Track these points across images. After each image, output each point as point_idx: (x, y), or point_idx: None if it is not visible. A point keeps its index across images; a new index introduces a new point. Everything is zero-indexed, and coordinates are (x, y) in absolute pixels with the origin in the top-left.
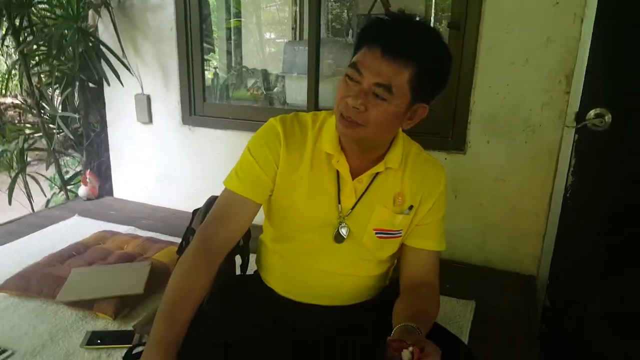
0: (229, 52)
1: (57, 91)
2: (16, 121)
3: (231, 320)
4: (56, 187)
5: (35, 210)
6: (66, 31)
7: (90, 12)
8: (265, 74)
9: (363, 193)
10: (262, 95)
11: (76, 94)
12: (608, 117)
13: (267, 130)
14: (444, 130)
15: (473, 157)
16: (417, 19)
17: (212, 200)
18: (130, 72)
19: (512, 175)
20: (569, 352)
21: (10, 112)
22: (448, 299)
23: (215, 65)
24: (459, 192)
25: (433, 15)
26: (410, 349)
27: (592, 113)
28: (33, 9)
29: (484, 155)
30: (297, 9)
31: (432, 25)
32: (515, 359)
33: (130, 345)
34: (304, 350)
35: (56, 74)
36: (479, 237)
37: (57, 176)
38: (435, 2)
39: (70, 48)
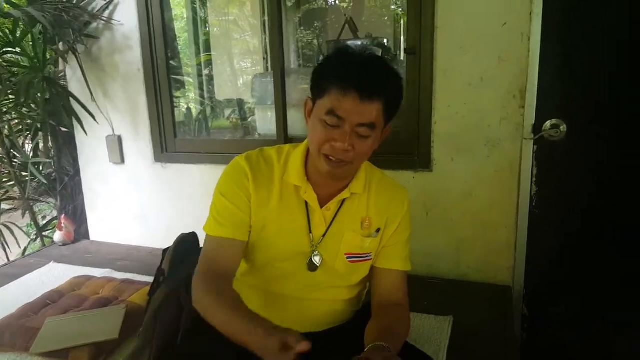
0: (201, 86)
1: (28, 138)
2: None
3: (206, 354)
4: (33, 234)
5: (11, 259)
6: (33, 80)
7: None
8: (240, 104)
9: (332, 220)
10: (239, 124)
11: (50, 139)
12: (563, 127)
13: (235, 170)
14: (410, 150)
15: (440, 174)
16: (366, 52)
17: (181, 239)
18: (95, 119)
19: (478, 189)
20: (551, 358)
21: None
22: (426, 316)
23: (189, 100)
24: (430, 209)
25: (403, 38)
26: None
27: (548, 124)
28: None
29: (450, 172)
30: (267, 38)
31: (399, 50)
32: None
33: None
34: None
35: (27, 121)
36: (453, 252)
37: (32, 223)
38: (403, 25)
39: (38, 95)
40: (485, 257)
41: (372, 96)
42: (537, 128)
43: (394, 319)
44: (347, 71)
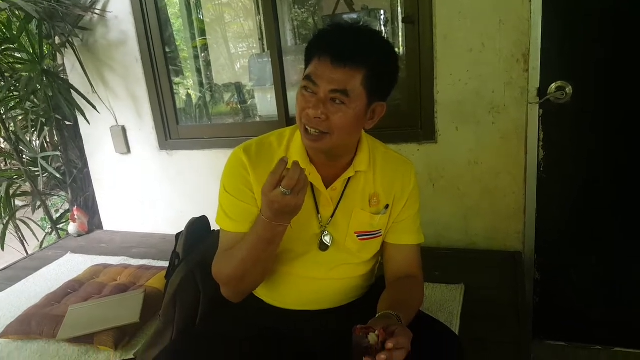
0: (199, 71)
1: (34, 134)
2: (2, 166)
3: (225, 335)
4: (48, 228)
5: (30, 253)
6: (32, 74)
7: None
8: (238, 87)
9: (339, 200)
10: (239, 108)
11: (55, 133)
12: (569, 89)
13: (234, 163)
14: (413, 122)
15: (444, 144)
16: (361, 23)
17: (193, 222)
18: (96, 110)
19: (485, 157)
20: (563, 321)
21: None
22: (437, 285)
23: (188, 86)
24: (436, 180)
25: (400, 9)
26: (376, 332)
27: (553, 87)
28: None
29: (455, 142)
30: (261, 19)
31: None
32: (508, 335)
33: None
34: (299, 357)
35: (31, 116)
36: (461, 221)
37: (46, 217)
38: None
39: (39, 90)
40: (493, 224)
41: (346, 62)
42: (542, 91)
43: (407, 290)
44: (325, 38)
